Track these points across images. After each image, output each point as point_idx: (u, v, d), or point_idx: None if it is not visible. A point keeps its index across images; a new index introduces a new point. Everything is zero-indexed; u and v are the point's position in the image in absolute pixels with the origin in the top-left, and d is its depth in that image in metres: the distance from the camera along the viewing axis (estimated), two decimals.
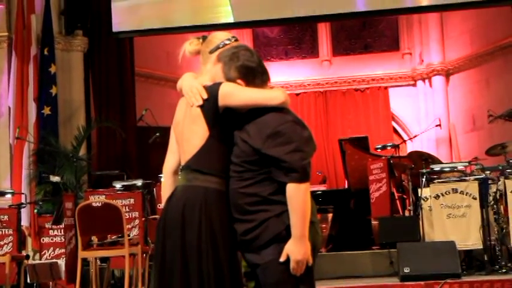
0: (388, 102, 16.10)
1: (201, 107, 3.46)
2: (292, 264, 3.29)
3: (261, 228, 3.36)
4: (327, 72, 16.27)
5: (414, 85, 16.28)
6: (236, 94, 3.42)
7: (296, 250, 3.29)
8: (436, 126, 15.14)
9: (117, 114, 11.53)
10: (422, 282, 6.65)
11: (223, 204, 3.45)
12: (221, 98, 3.41)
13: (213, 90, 3.44)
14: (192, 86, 3.53)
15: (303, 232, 3.30)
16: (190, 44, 3.73)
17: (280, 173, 3.30)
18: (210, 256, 3.39)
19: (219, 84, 3.45)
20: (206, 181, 3.47)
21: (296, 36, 15.84)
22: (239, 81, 3.45)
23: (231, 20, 11.33)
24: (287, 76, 15.78)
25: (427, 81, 16.07)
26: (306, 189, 3.33)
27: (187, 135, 3.54)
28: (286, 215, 3.30)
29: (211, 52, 3.64)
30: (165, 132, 8.51)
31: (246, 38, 15.84)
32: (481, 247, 7.53)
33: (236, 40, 3.71)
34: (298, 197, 3.30)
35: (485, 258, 7.52)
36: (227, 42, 3.65)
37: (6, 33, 10.66)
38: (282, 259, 3.29)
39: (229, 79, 3.47)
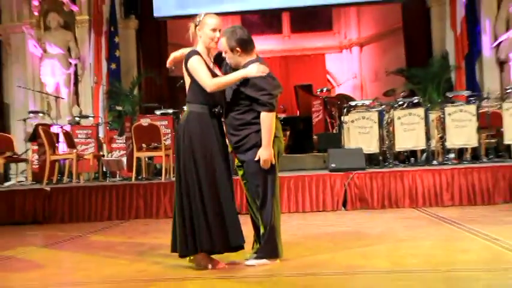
0: (325, 63, 16.07)
1: (184, 65, 3.50)
2: (261, 162, 3.43)
3: (246, 139, 3.49)
4: (287, 44, 16.13)
5: (340, 52, 16.23)
6: (195, 71, 3.42)
7: (264, 153, 3.42)
8: (353, 78, 15.36)
9: (156, 68, 11.38)
10: (342, 173, 6.62)
11: (201, 121, 3.43)
12: (187, 65, 3.46)
13: (187, 56, 3.48)
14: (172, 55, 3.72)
15: (269, 142, 3.43)
16: (189, 28, 3.62)
17: (258, 106, 3.43)
18: (187, 154, 3.40)
19: (191, 54, 3.46)
20: (191, 107, 3.50)
21: (268, 20, 15.49)
22: (238, 48, 3.47)
23: (233, 9, 11.52)
24: (263, 46, 15.34)
25: (348, 50, 16.04)
26: (273, 116, 3.44)
27: (185, 81, 3.56)
28: (261, 132, 3.44)
29: (194, 29, 3.57)
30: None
31: (237, 21, 15.76)
32: (378, 151, 7.60)
33: (199, 20, 3.55)
34: (267, 120, 3.42)
35: (380, 158, 7.61)
36: (197, 22, 3.54)
37: (87, 17, 10.55)
38: (256, 159, 3.44)
39: (231, 47, 3.48)
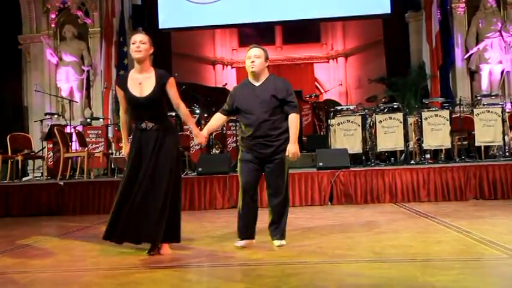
0: (313, 72, 15.98)
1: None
2: (290, 156, 3.55)
3: (285, 143, 3.60)
4: (280, 53, 16.02)
5: (328, 62, 16.13)
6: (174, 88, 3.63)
7: (293, 147, 3.57)
8: (339, 85, 15.30)
9: None
10: (328, 171, 6.59)
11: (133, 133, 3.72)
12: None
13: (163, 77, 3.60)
14: None
15: (296, 139, 3.60)
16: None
17: (288, 108, 3.62)
18: None
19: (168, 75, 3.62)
20: None
21: (262, 33, 15.30)
22: (267, 61, 3.73)
23: (231, 22, 11.53)
24: None
25: (335, 60, 15.95)
26: (298, 117, 3.66)
27: None
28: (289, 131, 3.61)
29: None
30: (187, 85, 8.77)
31: (234, 33, 15.73)
32: (361, 151, 7.57)
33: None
34: (296, 120, 3.62)
35: (363, 158, 7.57)
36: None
37: (99, 28, 10.52)
38: (286, 154, 3.57)
39: (266, 57, 3.72)
